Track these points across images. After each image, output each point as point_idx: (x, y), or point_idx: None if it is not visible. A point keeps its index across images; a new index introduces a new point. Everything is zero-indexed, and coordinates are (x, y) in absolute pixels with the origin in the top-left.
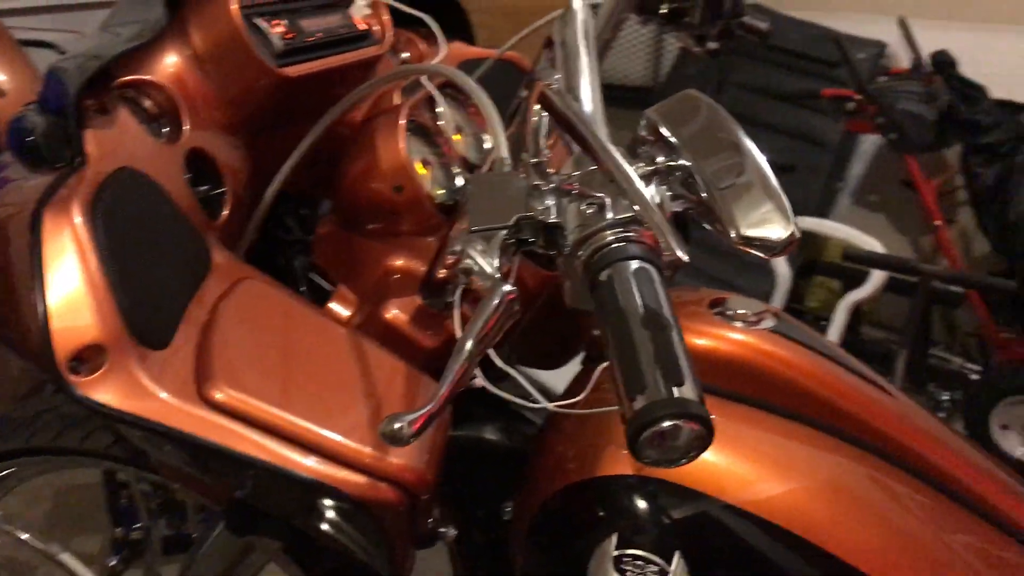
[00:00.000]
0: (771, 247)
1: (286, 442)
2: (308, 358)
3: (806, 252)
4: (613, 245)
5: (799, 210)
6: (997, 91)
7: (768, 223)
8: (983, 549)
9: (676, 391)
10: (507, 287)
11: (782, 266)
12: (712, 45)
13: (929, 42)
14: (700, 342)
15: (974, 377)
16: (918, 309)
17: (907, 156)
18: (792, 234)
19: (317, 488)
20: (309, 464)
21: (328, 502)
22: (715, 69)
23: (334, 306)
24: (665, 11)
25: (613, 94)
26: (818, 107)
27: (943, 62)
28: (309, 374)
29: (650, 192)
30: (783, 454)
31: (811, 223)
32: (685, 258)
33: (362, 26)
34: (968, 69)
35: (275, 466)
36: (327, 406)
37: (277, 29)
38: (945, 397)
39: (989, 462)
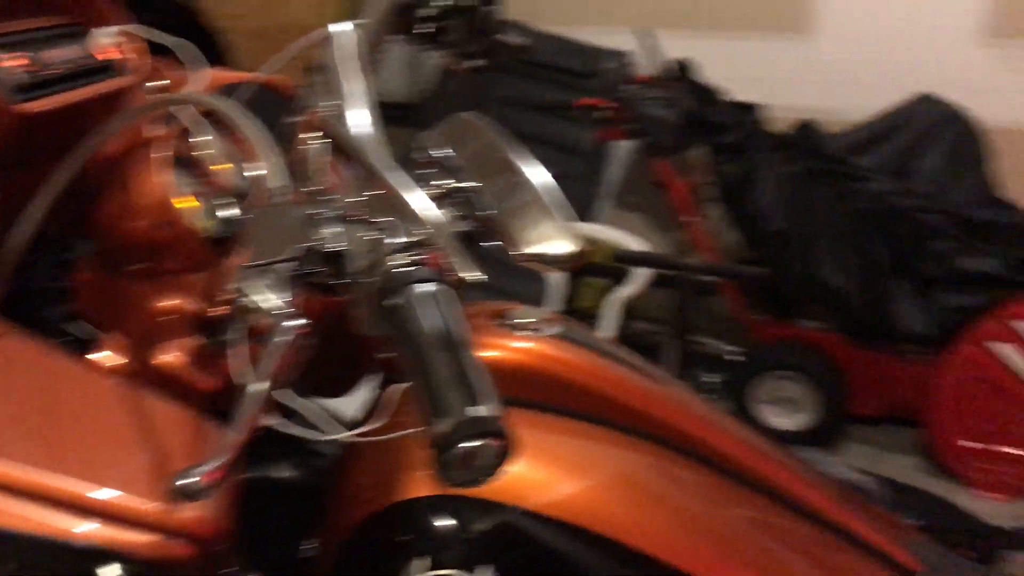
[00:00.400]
0: (558, 262)
1: (59, 508)
2: (78, 416)
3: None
4: (402, 269)
5: None
6: (732, 93)
7: (554, 239)
8: (760, 519)
9: (476, 410)
10: (297, 322)
11: None
12: (474, 63)
13: (670, 50)
14: (489, 354)
15: (734, 359)
16: (678, 301)
17: (657, 158)
18: (577, 248)
19: (98, 554)
20: (87, 529)
21: (112, 567)
22: (476, 84)
23: (102, 356)
24: (427, 31)
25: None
26: (573, 116)
27: (683, 68)
28: (80, 433)
29: (436, 214)
30: (577, 455)
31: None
32: (481, 277)
33: (110, 56)
34: (706, 74)
35: (48, 537)
36: (102, 464)
37: (12, 63)
38: (710, 380)
39: (755, 437)
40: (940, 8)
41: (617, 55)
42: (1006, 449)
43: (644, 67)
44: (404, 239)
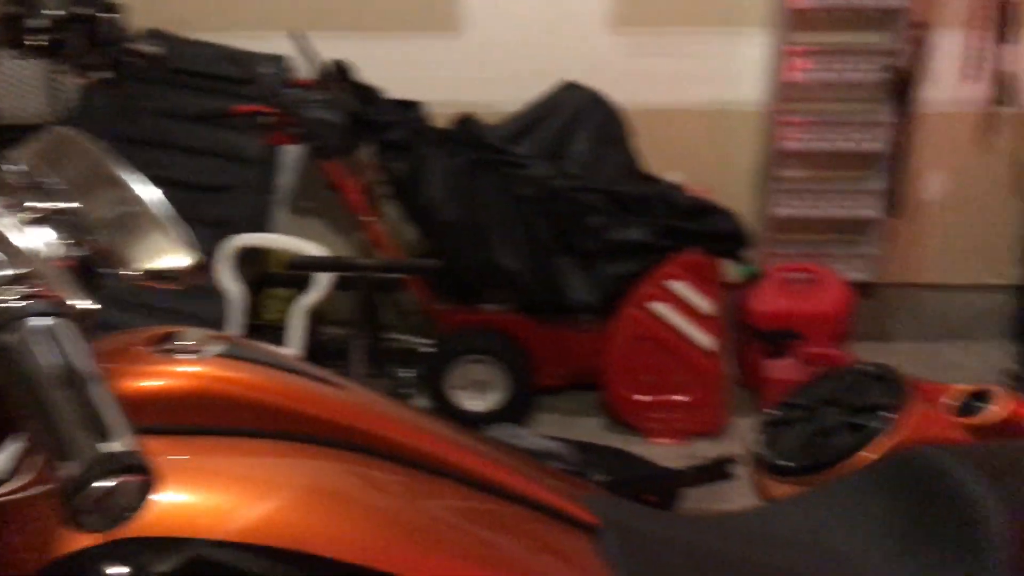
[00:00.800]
0: (175, 277)
1: None
2: None
3: (255, 268)
4: (10, 305)
5: (237, 228)
6: (392, 92)
7: (167, 253)
8: (455, 506)
9: (108, 447)
10: None
11: (232, 285)
12: (102, 74)
13: (326, 52)
14: (145, 384)
15: (426, 350)
16: (362, 301)
17: (326, 161)
18: (195, 260)
19: None
20: None
21: None
22: (126, 97)
23: None
24: (40, 44)
25: (11, 135)
26: (238, 125)
27: (341, 69)
28: None
29: (40, 241)
30: (259, 474)
31: (252, 239)
32: (93, 306)
33: None
34: (364, 74)
35: None
36: None
37: None
38: (406, 375)
39: (440, 425)
40: (574, 1)
41: (274, 59)
42: (673, 397)
43: (303, 70)
44: (9, 272)
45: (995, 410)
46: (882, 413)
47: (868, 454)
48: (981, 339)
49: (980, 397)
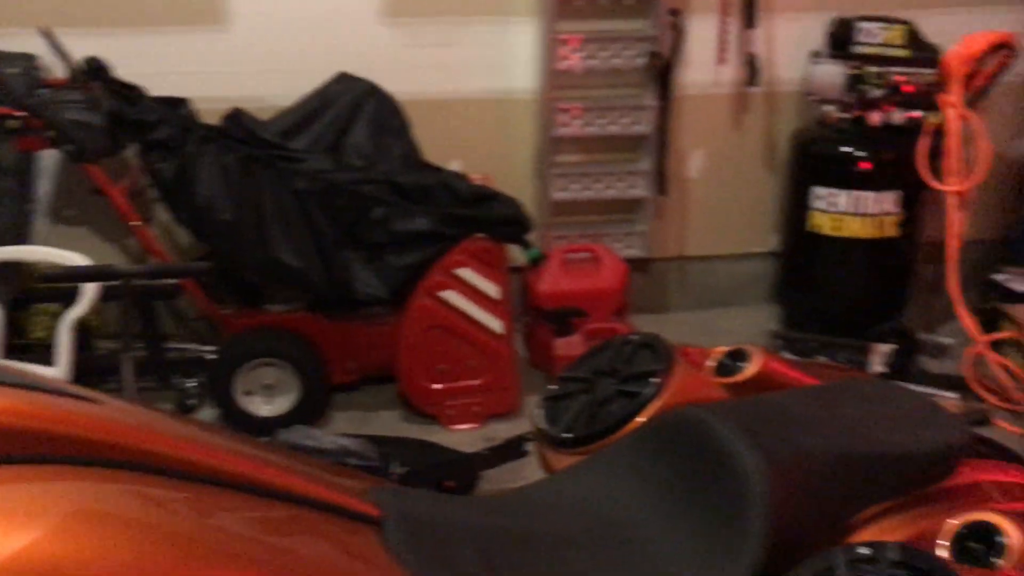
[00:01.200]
0: None
1: None
2: None
3: (18, 283)
4: None
5: None
6: (156, 89)
7: None
8: (236, 515)
9: None
10: None
11: None
12: None
13: (80, 50)
14: None
15: (211, 357)
16: (128, 310)
17: (87, 165)
18: None
19: None
20: None
21: None
22: None
23: None
24: None
25: None
26: None
27: (97, 68)
28: None
29: None
30: (12, 503)
31: (8, 252)
32: None
33: None
34: (123, 71)
35: None
36: None
37: None
38: (191, 384)
39: (220, 436)
40: None
41: (22, 58)
42: (467, 382)
43: (55, 70)
44: None
45: (749, 368)
46: (651, 379)
47: (641, 419)
48: (747, 304)
49: (737, 357)
